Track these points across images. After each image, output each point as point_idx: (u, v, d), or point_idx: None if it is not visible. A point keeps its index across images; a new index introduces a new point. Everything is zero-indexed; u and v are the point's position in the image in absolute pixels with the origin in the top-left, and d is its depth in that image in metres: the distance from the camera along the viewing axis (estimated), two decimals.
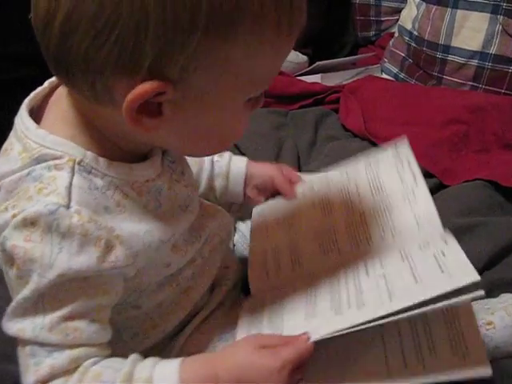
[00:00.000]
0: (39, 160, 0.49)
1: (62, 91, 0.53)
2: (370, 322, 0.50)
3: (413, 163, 0.68)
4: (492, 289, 0.75)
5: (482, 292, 0.48)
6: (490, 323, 0.66)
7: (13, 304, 0.50)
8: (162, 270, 0.59)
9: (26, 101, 0.54)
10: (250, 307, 0.65)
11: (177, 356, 0.62)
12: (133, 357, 0.53)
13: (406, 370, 0.54)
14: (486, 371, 0.51)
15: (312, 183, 0.78)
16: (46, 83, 0.55)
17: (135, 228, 0.53)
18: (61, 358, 0.50)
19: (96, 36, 0.43)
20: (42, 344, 0.50)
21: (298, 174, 0.80)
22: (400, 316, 0.49)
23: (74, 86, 0.48)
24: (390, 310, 0.49)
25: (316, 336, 0.52)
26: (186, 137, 0.51)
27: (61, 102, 0.53)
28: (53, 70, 0.48)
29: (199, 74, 0.45)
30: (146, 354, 0.63)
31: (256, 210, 0.78)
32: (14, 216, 0.48)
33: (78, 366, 0.51)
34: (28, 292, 0.49)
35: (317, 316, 0.56)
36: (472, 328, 0.56)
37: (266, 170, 0.79)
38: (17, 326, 0.50)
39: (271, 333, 0.58)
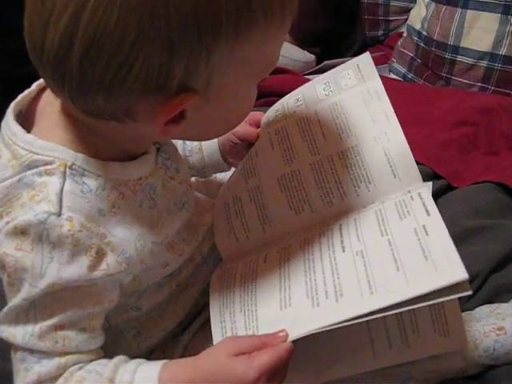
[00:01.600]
0: (30, 166, 0.49)
1: (51, 95, 0.52)
2: (349, 320, 0.47)
3: (381, 93, 0.60)
4: (501, 292, 0.74)
5: (469, 292, 0.45)
6: (500, 329, 0.66)
7: (5, 309, 0.51)
8: (159, 271, 0.58)
9: (13, 105, 0.52)
10: (220, 280, 0.61)
11: (181, 355, 0.62)
12: (116, 360, 0.53)
13: (390, 351, 0.54)
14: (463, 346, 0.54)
15: (268, 117, 0.69)
16: (34, 85, 0.54)
17: (127, 233, 0.52)
18: (49, 366, 0.51)
19: (121, 65, 0.41)
20: (31, 351, 0.51)
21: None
22: (379, 315, 0.46)
23: (86, 108, 0.46)
24: (370, 309, 0.46)
25: (295, 335, 0.50)
26: (203, 128, 0.53)
27: (53, 107, 0.52)
28: (74, 104, 0.46)
29: (220, 78, 0.46)
30: (150, 353, 0.63)
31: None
32: (7, 223, 0.48)
33: (62, 373, 0.51)
34: (18, 300, 0.49)
35: (292, 305, 0.52)
36: (454, 309, 0.55)
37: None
38: (9, 331, 0.51)
39: (244, 323, 0.55)
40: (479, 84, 1.23)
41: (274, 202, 0.63)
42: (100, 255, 0.50)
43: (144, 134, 0.51)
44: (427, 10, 1.35)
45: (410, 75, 1.39)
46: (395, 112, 1.12)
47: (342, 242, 0.55)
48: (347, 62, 0.65)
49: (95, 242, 0.49)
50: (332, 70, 0.66)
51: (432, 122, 1.08)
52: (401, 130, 0.59)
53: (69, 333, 0.51)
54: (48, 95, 0.53)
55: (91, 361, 0.53)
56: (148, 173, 0.55)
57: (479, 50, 1.21)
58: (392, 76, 1.44)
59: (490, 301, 0.73)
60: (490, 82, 1.21)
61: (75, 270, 0.49)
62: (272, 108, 0.69)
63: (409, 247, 0.49)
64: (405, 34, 1.46)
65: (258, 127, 0.70)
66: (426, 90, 1.27)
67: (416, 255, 0.48)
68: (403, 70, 1.42)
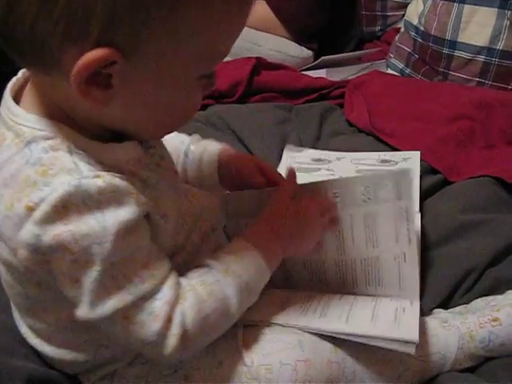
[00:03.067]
0: (31, 141, 0.49)
1: (33, 81, 0.52)
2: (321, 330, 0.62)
3: (411, 213, 0.66)
4: (497, 286, 0.74)
5: (412, 350, 0.59)
6: (495, 320, 0.66)
7: (86, 291, 0.50)
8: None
9: (8, 91, 0.53)
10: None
11: None
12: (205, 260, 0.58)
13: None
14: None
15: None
16: (20, 73, 0.55)
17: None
18: (165, 292, 0.53)
19: (42, 5, 0.42)
20: (142, 297, 0.52)
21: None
22: (345, 337, 0.62)
23: (24, 59, 0.47)
24: (340, 330, 0.62)
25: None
26: (136, 113, 0.51)
27: (31, 91, 0.52)
28: (5, 48, 0.47)
29: (149, 46, 0.45)
30: None
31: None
32: (31, 209, 0.47)
33: (178, 290, 0.54)
34: (99, 266, 0.49)
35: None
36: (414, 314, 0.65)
37: (238, 158, 0.74)
38: (111, 304, 0.51)
39: None
40: (476, 79, 1.23)
41: (296, 274, 0.73)
42: (136, 191, 0.51)
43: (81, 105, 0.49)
44: (424, 5, 1.35)
45: (408, 70, 1.39)
46: (392, 107, 1.13)
47: (340, 296, 0.69)
48: (391, 172, 0.68)
49: (127, 183, 0.50)
50: (374, 175, 0.71)
51: (429, 117, 1.08)
52: (417, 256, 0.67)
53: (155, 261, 0.53)
54: (32, 85, 0.53)
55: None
56: (138, 156, 0.55)
57: (476, 44, 1.21)
58: (389, 71, 1.44)
59: (486, 295, 0.74)
60: (488, 76, 1.21)
61: (128, 210, 0.49)
62: (309, 185, 0.71)
63: (387, 312, 0.65)
64: (402, 30, 1.46)
65: (269, 178, 0.71)
66: (424, 84, 1.27)
67: (389, 317, 0.64)
68: (401, 65, 1.42)
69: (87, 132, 0.51)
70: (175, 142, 0.73)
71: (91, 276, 0.49)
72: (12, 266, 0.53)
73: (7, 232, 0.49)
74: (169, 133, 0.58)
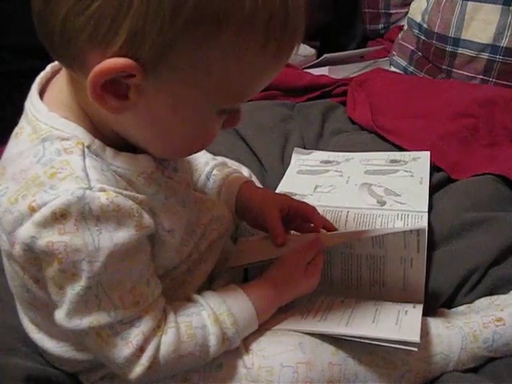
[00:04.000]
0: (46, 139, 0.49)
1: (60, 76, 0.53)
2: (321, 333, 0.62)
3: (422, 240, 0.66)
4: (501, 285, 0.73)
5: (416, 349, 0.58)
6: (499, 319, 0.65)
7: (67, 301, 0.50)
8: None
9: (35, 85, 0.53)
10: None
11: None
12: (199, 298, 0.59)
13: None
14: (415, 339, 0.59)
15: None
16: (49, 67, 0.55)
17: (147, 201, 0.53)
18: (145, 322, 0.53)
19: (77, 2, 0.42)
20: (120, 321, 0.51)
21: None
22: (345, 338, 0.61)
23: (54, 52, 0.47)
24: (339, 332, 0.61)
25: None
26: (148, 131, 0.50)
27: (57, 85, 0.52)
28: (38, 34, 0.47)
29: (172, 68, 0.45)
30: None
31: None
32: (33, 209, 0.47)
33: (160, 322, 0.54)
34: (84, 283, 0.49)
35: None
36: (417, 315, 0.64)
37: (262, 201, 0.70)
38: (87, 320, 0.51)
39: None
40: (480, 76, 1.22)
41: None
42: (140, 213, 0.50)
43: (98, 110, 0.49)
44: (428, 3, 1.34)
45: (411, 68, 1.39)
46: (395, 105, 1.13)
47: (343, 299, 0.69)
48: (404, 229, 0.67)
49: (132, 203, 0.49)
50: (389, 230, 0.72)
51: (432, 114, 1.08)
52: (424, 264, 0.67)
53: (142, 289, 0.53)
54: (58, 77, 0.53)
55: (166, 302, 0.57)
56: (151, 170, 0.54)
57: (480, 42, 1.20)
58: (392, 69, 1.44)
59: (490, 294, 0.73)
60: (491, 74, 1.20)
61: (126, 233, 0.49)
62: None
63: (388, 315, 0.64)
64: (405, 27, 1.45)
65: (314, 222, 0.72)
66: (427, 82, 1.26)
67: (391, 320, 0.63)
68: (404, 63, 1.42)
69: (104, 137, 0.51)
70: (200, 162, 0.73)
71: (74, 289, 0.49)
72: (12, 257, 0.53)
73: (7, 226, 0.49)
74: (179, 157, 0.58)
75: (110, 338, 0.52)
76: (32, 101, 0.52)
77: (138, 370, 0.53)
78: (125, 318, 0.52)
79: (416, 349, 0.58)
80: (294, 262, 0.64)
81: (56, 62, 0.54)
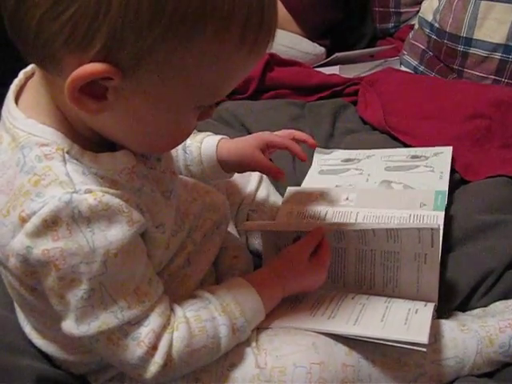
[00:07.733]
0: (24, 146, 0.48)
1: (34, 80, 0.52)
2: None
3: (436, 241, 0.66)
4: None
5: (424, 350, 0.58)
6: None
7: (73, 308, 0.50)
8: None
9: (10, 92, 0.52)
10: None
11: None
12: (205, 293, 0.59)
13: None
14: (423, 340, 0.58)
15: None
16: (21, 73, 0.54)
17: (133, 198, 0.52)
18: (153, 320, 0.53)
19: (53, 5, 0.41)
20: (129, 322, 0.52)
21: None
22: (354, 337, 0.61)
23: (27, 53, 0.47)
24: (347, 332, 0.61)
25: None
26: (127, 129, 0.50)
27: (31, 89, 0.52)
28: (10, 34, 0.46)
29: (150, 71, 0.44)
30: None
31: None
32: (23, 220, 0.47)
33: (169, 319, 0.54)
34: (86, 286, 0.49)
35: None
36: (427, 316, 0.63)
37: (241, 148, 0.76)
38: (96, 324, 0.51)
39: None
40: (492, 77, 1.20)
41: None
42: (129, 209, 0.50)
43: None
44: (439, 2, 1.33)
45: (422, 68, 1.37)
46: (407, 105, 1.12)
47: (354, 296, 0.69)
48: (419, 226, 0.68)
49: (119, 200, 0.49)
50: (402, 224, 0.73)
51: (444, 115, 1.07)
52: (438, 261, 0.67)
53: (145, 288, 0.53)
54: (32, 81, 0.53)
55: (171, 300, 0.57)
56: (132, 165, 0.53)
57: (493, 41, 1.18)
58: (403, 69, 1.42)
59: (505, 297, 0.72)
60: (504, 74, 1.18)
61: (119, 229, 0.49)
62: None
63: (398, 314, 0.64)
64: (416, 26, 1.44)
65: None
66: (438, 82, 1.25)
67: (400, 320, 0.62)
68: (414, 62, 1.40)
69: (83, 138, 0.51)
70: None
71: (77, 294, 0.49)
72: (7, 269, 0.53)
73: (1, 238, 0.49)
74: (160, 152, 0.58)
75: (121, 341, 0.52)
76: (9, 109, 0.51)
77: (153, 368, 0.53)
78: (132, 318, 0.52)
79: (424, 349, 0.58)
80: (295, 250, 0.66)
81: (28, 68, 0.53)
